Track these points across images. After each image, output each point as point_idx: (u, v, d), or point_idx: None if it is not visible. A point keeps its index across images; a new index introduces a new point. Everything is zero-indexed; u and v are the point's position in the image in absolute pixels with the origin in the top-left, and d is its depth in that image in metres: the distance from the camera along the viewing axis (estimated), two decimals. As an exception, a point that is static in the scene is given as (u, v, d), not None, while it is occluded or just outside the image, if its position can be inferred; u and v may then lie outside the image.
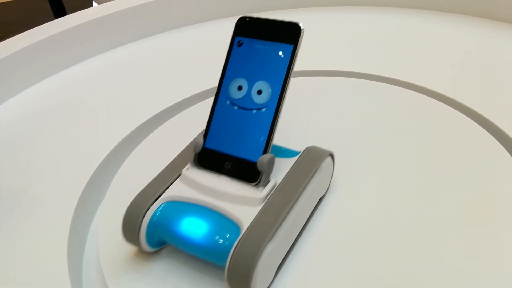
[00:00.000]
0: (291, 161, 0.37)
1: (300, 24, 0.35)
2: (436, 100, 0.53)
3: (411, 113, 0.51)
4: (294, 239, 0.35)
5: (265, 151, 0.34)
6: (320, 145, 0.39)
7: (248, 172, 0.34)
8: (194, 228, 0.33)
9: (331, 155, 0.39)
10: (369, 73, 0.59)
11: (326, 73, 0.61)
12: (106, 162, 0.49)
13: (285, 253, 0.34)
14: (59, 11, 1.89)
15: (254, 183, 0.34)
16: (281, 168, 0.36)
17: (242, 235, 0.31)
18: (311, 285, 0.34)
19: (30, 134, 0.55)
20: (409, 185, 0.42)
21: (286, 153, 0.38)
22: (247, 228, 0.31)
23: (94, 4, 1.37)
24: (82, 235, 0.43)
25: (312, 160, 0.37)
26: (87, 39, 0.73)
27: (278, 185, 0.34)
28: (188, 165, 0.37)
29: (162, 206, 0.35)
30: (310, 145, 0.38)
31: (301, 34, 0.34)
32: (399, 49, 0.67)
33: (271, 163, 0.34)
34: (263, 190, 0.34)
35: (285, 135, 0.48)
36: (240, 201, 0.33)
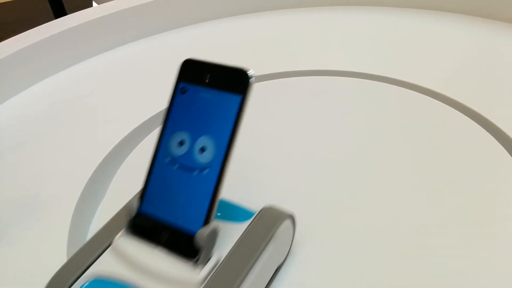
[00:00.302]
0: (242, 227, 0.31)
1: (250, 72, 0.29)
2: (435, 100, 0.53)
3: (410, 113, 0.51)
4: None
5: (206, 222, 0.29)
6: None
7: (186, 245, 0.29)
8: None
9: (292, 217, 0.34)
10: (368, 73, 0.59)
11: (324, 72, 0.61)
12: (106, 161, 0.49)
13: None
14: (59, 11, 1.89)
15: (192, 260, 0.29)
16: (228, 237, 0.31)
17: None
18: None
19: (29, 134, 0.55)
20: (407, 185, 0.41)
21: (237, 214, 0.33)
22: None
23: (94, 4, 1.37)
24: (81, 235, 0.42)
25: (266, 226, 0.32)
26: (87, 39, 0.73)
27: (221, 262, 0.29)
28: (121, 232, 0.31)
29: (88, 284, 0.29)
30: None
31: (250, 83, 0.29)
32: (398, 48, 0.67)
33: (212, 237, 0.29)
34: (202, 270, 0.28)
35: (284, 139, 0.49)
36: (175, 284, 0.28)
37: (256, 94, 0.32)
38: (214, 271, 0.29)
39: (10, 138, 0.55)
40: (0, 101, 0.63)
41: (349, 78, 0.59)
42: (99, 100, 0.61)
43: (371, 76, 0.59)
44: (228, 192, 0.32)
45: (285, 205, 0.34)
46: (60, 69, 0.70)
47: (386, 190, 0.41)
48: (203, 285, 0.28)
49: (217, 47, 0.73)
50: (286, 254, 0.35)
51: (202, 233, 0.28)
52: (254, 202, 0.34)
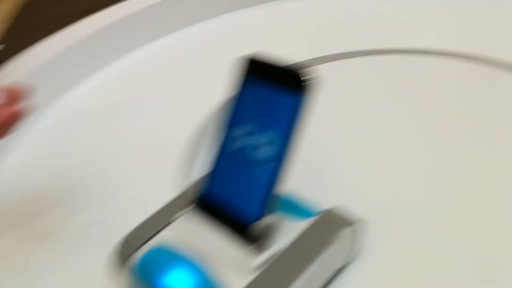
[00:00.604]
0: (300, 225, 0.32)
1: (305, 73, 0.29)
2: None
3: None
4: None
5: (263, 214, 0.29)
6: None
7: (243, 233, 0.30)
8: (176, 285, 0.29)
9: (353, 224, 0.32)
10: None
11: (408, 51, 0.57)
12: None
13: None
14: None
15: (249, 248, 0.29)
16: (285, 233, 0.31)
17: None
18: None
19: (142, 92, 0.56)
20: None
21: (300, 211, 0.33)
22: None
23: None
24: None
25: (327, 229, 0.31)
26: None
27: (278, 255, 0.30)
28: (188, 208, 0.33)
29: (151, 251, 0.31)
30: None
31: (309, 85, 0.29)
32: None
33: (267, 230, 0.29)
34: (257, 259, 0.29)
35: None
36: (229, 266, 0.29)
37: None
38: (269, 261, 0.30)
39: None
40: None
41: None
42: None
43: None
44: (297, 185, 0.33)
45: (357, 204, 0.33)
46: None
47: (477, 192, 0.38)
48: (256, 273, 0.29)
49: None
50: (350, 257, 0.35)
51: (257, 226, 0.29)
52: (323, 199, 0.33)
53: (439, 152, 0.44)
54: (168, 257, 0.31)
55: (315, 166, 0.43)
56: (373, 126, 0.48)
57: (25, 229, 0.41)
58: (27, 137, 0.52)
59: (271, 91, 0.30)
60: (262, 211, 0.29)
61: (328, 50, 0.59)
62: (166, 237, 0.32)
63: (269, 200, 0.29)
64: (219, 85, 0.35)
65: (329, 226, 0.32)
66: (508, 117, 0.47)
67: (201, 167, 0.34)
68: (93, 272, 0.35)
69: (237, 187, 0.31)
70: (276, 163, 0.29)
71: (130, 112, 0.55)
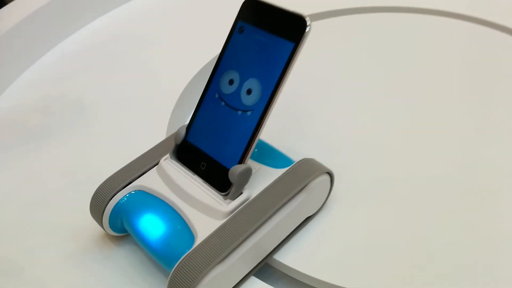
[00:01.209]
0: (277, 172, 0.33)
1: (307, 19, 0.29)
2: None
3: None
4: (258, 261, 0.32)
5: (241, 161, 0.31)
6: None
7: (220, 179, 0.31)
8: (151, 226, 0.31)
9: (329, 174, 0.35)
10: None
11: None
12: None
13: (244, 275, 0.31)
14: None
15: (223, 193, 0.31)
16: (262, 179, 0.32)
17: (191, 251, 0.28)
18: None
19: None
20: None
21: (278, 160, 0.34)
22: (199, 244, 0.29)
23: None
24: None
25: (301, 177, 0.33)
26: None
27: (250, 200, 0.31)
28: (167, 155, 0.34)
29: (130, 194, 0.33)
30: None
31: (306, 32, 0.29)
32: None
33: (243, 176, 0.31)
34: (230, 204, 0.31)
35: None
36: (204, 210, 0.31)
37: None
38: (241, 206, 0.31)
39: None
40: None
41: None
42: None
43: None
44: (276, 138, 0.36)
45: (332, 159, 0.36)
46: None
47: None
48: (229, 217, 0.30)
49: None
50: (318, 207, 0.36)
51: (235, 170, 0.31)
52: (299, 153, 0.35)
53: (410, 109, 0.46)
54: (144, 201, 0.32)
55: (295, 120, 0.45)
56: (355, 84, 0.49)
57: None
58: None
59: (264, 36, 0.31)
60: (241, 157, 0.31)
61: (321, 7, 0.60)
62: (146, 180, 0.34)
63: (248, 146, 0.31)
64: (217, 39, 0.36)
65: (304, 173, 0.33)
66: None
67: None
68: (74, 216, 0.36)
69: (219, 133, 0.32)
70: (258, 110, 0.30)
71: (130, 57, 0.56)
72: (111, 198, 0.33)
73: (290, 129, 0.44)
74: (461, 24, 0.57)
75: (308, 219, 0.36)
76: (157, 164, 0.34)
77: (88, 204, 0.34)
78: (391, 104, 0.47)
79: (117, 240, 0.35)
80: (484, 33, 0.55)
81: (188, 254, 0.28)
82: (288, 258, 0.33)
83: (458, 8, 0.58)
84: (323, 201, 0.36)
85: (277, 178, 0.33)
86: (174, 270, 0.28)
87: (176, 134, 0.34)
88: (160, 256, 0.30)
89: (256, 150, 0.34)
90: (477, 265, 0.33)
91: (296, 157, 0.35)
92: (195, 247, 0.28)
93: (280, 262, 0.33)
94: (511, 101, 0.46)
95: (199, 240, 0.29)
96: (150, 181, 0.33)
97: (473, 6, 0.59)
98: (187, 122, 0.34)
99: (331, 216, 0.36)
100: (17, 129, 0.47)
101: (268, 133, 0.34)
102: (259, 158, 0.34)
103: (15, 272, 0.34)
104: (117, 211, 0.33)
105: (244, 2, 0.33)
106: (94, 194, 0.33)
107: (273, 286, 0.32)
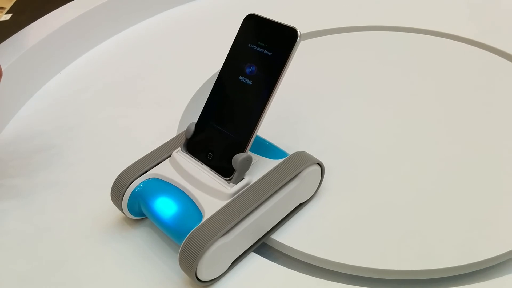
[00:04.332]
0: (274, 163, 0.38)
1: (298, 30, 0.35)
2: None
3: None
4: (257, 238, 0.37)
5: (242, 150, 0.36)
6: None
7: (225, 167, 0.36)
8: (165, 207, 0.36)
9: (319, 165, 0.39)
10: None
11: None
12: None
13: (245, 249, 0.36)
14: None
15: (227, 178, 0.36)
16: (261, 168, 0.38)
17: (199, 225, 0.33)
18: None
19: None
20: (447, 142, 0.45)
21: (274, 153, 0.39)
22: (206, 220, 0.33)
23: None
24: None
25: (295, 166, 0.38)
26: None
27: (250, 184, 0.36)
28: (179, 148, 0.39)
29: (146, 181, 0.38)
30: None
31: (297, 41, 0.35)
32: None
33: (244, 163, 0.36)
34: (234, 187, 0.36)
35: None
36: (210, 193, 0.36)
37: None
38: (243, 189, 0.36)
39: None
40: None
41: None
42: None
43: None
44: (273, 140, 0.41)
45: (323, 157, 0.41)
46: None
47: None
48: (232, 198, 0.36)
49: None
50: (311, 194, 0.41)
51: (237, 158, 0.36)
52: (294, 150, 0.40)
53: (394, 114, 0.51)
54: (158, 186, 0.37)
55: (290, 125, 0.50)
56: (344, 93, 0.54)
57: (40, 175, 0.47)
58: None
59: (262, 47, 0.36)
60: (244, 146, 0.36)
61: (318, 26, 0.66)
62: (161, 170, 0.39)
63: (248, 139, 0.36)
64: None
65: (297, 163, 0.38)
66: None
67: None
68: (97, 200, 0.42)
69: (228, 122, 0.37)
70: (259, 109, 0.35)
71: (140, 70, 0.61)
72: (129, 185, 0.37)
73: (285, 132, 0.49)
74: (454, 43, 0.62)
75: (302, 205, 0.40)
76: (169, 156, 0.39)
77: (109, 192, 0.38)
78: (377, 110, 0.52)
79: (134, 223, 0.40)
80: (471, 50, 0.61)
81: (196, 228, 0.33)
82: (284, 237, 0.38)
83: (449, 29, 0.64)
84: (315, 189, 0.41)
85: (273, 167, 0.38)
86: (185, 241, 0.32)
87: (186, 130, 0.39)
88: (173, 231, 0.35)
89: (255, 144, 0.39)
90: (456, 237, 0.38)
91: (290, 152, 0.40)
92: (202, 222, 0.33)
93: (277, 241, 0.38)
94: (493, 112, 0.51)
95: (206, 217, 0.34)
96: (164, 170, 0.38)
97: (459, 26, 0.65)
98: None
99: (322, 203, 0.41)
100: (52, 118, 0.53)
101: (266, 136, 0.41)
102: (258, 151, 0.39)
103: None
104: (134, 195, 0.37)
105: (245, 17, 0.38)
106: (114, 182, 0.38)
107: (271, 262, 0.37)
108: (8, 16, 0.76)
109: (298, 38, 0.35)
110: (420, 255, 0.37)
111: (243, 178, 0.36)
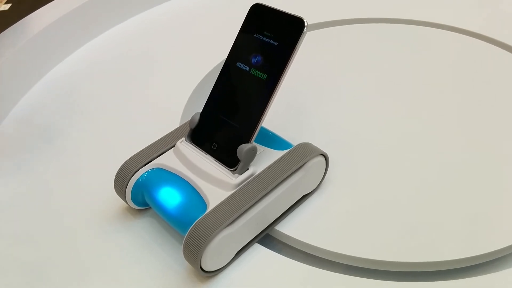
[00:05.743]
0: (279, 154, 0.38)
1: (305, 20, 0.35)
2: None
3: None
4: (262, 229, 0.37)
5: (247, 140, 0.36)
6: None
7: (229, 157, 0.36)
8: (169, 197, 0.36)
9: (324, 156, 0.39)
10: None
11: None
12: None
13: (249, 240, 0.36)
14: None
15: (232, 169, 0.36)
16: (266, 159, 0.37)
17: (203, 215, 0.33)
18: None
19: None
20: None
21: (279, 144, 0.39)
22: (210, 210, 0.33)
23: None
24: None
25: (299, 157, 0.38)
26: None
27: (255, 175, 0.36)
28: (183, 138, 0.39)
29: (150, 171, 0.38)
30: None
31: (304, 31, 0.35)
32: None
33: (249, 154, 0.36)
34: (238, 177, 0.35)
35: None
36: (215, 183, 0.35)
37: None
38: (248, 180, 0.36)
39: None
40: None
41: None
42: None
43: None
44: (278, 132, 0.41)
45: (327, 149, 0.40)
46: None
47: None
48: (236, 189, 0.35)
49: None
50: (315, 186, 0.41)
51: (242, 149, 0.35)
52: (298, 141, 0.40)
53: (398, 106, 0.51)
54: (162, 176, 0.37)
55: (295, 116, 0.50)
56: (348, 85, 0.54)
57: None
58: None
59: (268, 36, 0.36)
60: (247, 138, 0.36)
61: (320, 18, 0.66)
62: (165, 160, 0.38)
63: (253, 129, 0.35)
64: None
65: (302, 154, 0.38)
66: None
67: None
68: (100, 190, 0.42)
69: (233, 113, 0.37)
70: (265, 99, 0.35)
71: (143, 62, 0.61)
72: (133, 175, 0.37)
73: (290, 124, 0.49)
74: (453, 35, 0.62)
75: (306, 197, 0.40)
76: (173, 146, 0.39)
77: (112, 182, 0.38)
78: (381, 102, 0.52)
79: (137, 213, 0.40)
80: (476, 44, 0.60)
81: (201, 218, 0.33)
82: (289, 228, 0.38)
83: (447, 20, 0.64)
84: (319, 180, 0.41)
85: (278, 158, 0.37)
86: (189, 231, 0.32)
87: (191, 120, 0.39)
88: (177, 221, 0.35)
89: (260, 135, 0.38)
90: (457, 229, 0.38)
91: (295, 143, 0.39)
92: (207, 213, 0.33)
93: (281, 232, 0.38)
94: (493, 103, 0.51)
95: (210, 207, 0.34)
96: (168, 160, 0.38)
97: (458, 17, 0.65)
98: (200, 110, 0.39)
99: (326, 194, 0.41)
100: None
101: (270, 127, 0.41)
102: (263, 142, 0.39)
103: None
104: (138, 185, 0.37)
105: (252, 6, 0.38)
106: (117, 172, 0.38)
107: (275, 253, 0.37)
108: (7, 6, 0.76)
109: (305, 28, 0.35)
110: (423, 247, 0.37)
111: (248, 169, 0.36)
